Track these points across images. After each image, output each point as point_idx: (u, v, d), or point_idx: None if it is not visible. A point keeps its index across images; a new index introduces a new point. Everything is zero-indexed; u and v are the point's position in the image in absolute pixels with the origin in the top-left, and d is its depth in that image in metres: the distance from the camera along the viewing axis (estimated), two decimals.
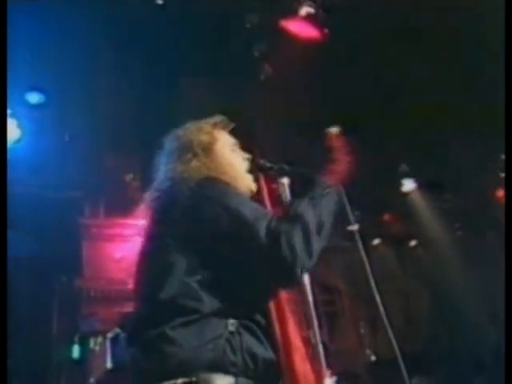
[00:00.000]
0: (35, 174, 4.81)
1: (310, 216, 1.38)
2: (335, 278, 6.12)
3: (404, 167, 6.01)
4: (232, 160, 1.61)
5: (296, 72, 3.72)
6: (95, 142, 4.40)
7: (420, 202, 6.30)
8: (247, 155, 1.65)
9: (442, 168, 5.80)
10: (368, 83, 4.35)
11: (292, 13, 3.47)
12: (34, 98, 3.91)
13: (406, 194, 6.25)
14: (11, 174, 4.60)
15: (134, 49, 3.68)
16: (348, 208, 1.65)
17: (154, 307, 1.37)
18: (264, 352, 1.38)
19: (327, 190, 1.48)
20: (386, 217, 6.83)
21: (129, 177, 5.07)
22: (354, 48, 3.80)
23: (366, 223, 6.00)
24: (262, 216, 1.36)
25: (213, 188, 1.43)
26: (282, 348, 1.41)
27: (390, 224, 6.88)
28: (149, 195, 1.54)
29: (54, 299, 4.76)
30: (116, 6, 3.51)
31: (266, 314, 1.43)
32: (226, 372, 1.29)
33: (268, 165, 1.64)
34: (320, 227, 1.39)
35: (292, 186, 1.63)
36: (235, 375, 1.30)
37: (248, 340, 1.35)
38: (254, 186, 1.62)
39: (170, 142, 1.62)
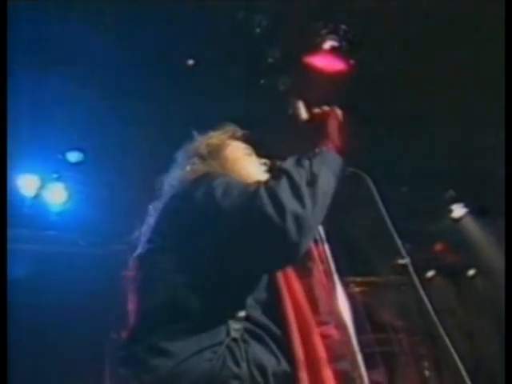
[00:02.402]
0: (82, 233, 4.95)
1: (296, 169, 1.19)
2: (389, 314, 5.78)
3: (451, 192, 5.77)
4: (245, 162, 1.51)
5: (325, 104, 3.69)
6: (135, 194, 4.49)
7: (473, 228, 5.96)
8: (264, 160, 1.55)
9: (492, 191, 5.52)
10: (402, 109, 4.28)
11: (315, 47, 3.48)
12: (73, 156, 4.08)
13: (456, 221, 5.95)
14: (62, 234, 4.81)
15: (165, 99, 3.80)
16: (398, 241, 1.51)
17: (141, 319, 1.21)
18: (276, 365, 1.16)
19: (318, 150, 1.30)
20: (439, 246, 6.49)
21: None
22: (382, 76, 3.75)
23: (417, 255, 5.72)
24: (246, 187, 1.19)
25: (204, 179, 1.29)
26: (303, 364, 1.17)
27: (444, 254, 6.52)
28: (151, 207, 1.46)
29: (104, 355, 4.73)
30: (147, 64, 3.66)
31: (283, 326, 1.21)
32: None
33: None
34: (313, 178, 1.18)
35: None
36: None
37: (255, 349, 1.15)
38: None
39: (179, 154, 1.57)
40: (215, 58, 3.57)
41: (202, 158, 1.49)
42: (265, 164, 1.55)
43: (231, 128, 1.61)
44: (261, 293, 1.25)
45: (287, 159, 1.28)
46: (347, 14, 3.34)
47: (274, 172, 1.21)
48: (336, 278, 1.39)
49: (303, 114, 1.51)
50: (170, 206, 1.33)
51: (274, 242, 1.10)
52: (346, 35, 3.41)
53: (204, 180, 1.28)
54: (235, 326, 1.14)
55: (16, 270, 4.35)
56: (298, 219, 1.09)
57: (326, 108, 1.49)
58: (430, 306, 1.34)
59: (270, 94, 3.66)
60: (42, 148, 4.01)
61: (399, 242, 1.43)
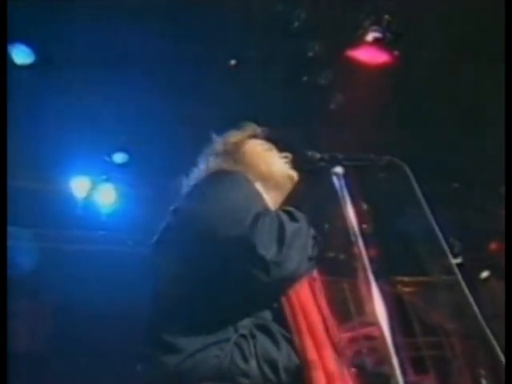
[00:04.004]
0: (130, 232, 5.08)
1: (309, 231, 1.18)
2: (440, 316, 5.51)
3: None
4: (265, 156, 1.49)
5: (369, 98, 3.59)
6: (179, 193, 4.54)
7: None
8: (285, 154, 1.52)
9: None
10: (454, 103, 4.09)
11: (357, 40, 3.38)
12: (119, 158, 4.20)
13: None
14: (111, 234, 4.96)
15: (210, 99, 3.81)
16: (440, 236, 1.41)
17: (152, 317, 1.23)
18: (286, 359, 1.11)
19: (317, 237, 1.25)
20: (494, 245, 6.15)
21: None
22: (428, 68, 3.59)
23: (470, 254, 5.45)
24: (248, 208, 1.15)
25: (212, 180, 1.29)
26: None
27: (499, 253, 6.17)
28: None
29: None
30: (190, 66, 3.70)
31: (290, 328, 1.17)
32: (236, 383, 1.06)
33: (318, 155, 1.43)
34: (312, 254, 1.18)
35: (346, 176, 1.40)
36: None
37: (265, 344, 1.10)
38: (294, 174, 1.49)
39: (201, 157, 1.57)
40: (256, 56, 3.55)
41: (218, 155, 1.50)
42: (286, 157, 1.53)
43: (250, 127, 1.59)
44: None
45: (304, 214, 1.25)
46: (390, 3, 3.21)
47: (291, 213, 1.19)
48: (371, 276, 1.31)
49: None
50: (178, 207, 1.33)
51: (252, 270, 1.08)
52: (389, 26, 3.29)
53: (201, 189, 1.29)
54: (243, 323, 1.12)
55: (70, 268, 4.55)
56: (281, 271, 1.08)
57: None
58: (476, 309, 1.23)
59: (312, 89, 3.59)
60: (91, 150, 4.15)
61: (441, 237, 1.33)
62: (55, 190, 4.48)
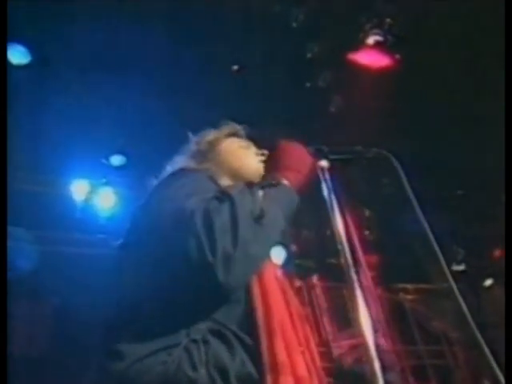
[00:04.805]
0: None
1: (243, 198, 1.07)
2: (443, 324, 5.41)
3: None
4: (240, 152, 1.46)
5: (370, 101, 3.56)
6: None
7: None
8: (262, 151, 1.47)
9: None
10: (456, 108, 4.04)
11: (358, 42, 3.35)
12: (116, 160, 4.17)
13: None
14: (111, 238, 4.93)
15: (210, 103, 3.79)
16: (433, 242, 1.35)
17: (105, 323, 1.16)
18: (240, 367, 1.04)
19: (275, 182, 1.20)
20: (498, 253, 6.06)
21: None
22: (429, 71, 3.55)
23: (474, 262, 5.37)
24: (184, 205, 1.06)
25: (166, 181, 1.23)
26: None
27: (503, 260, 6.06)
28: None
29: None
30: (191, 70, 3.68)
31: (254, 335, 1.09)
32: None
33: None
34: (260, 214, 1.06)
35: (331, 170, 1.32)
36: None
37: (218, 350, 1.03)
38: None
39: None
40: (257, 58, 3.53)
41: (189, 154, 1.46)
42: (262, 155, 1.48)
43: (229, 126, 1.56)
44: (233, 307, 1.13)
45: (237, 184, 1.19)
46: (391, 5, 3.18)
47: (219, 194, 1.10)
48: (356, 282, 1.25)
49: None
50: (135, 209, 1.30)
51: (199, 275, 1.01)
52: (390, 29, 3.25)
53: (154, 191, 1.24)
54: (198, 327, 1.05)
55: (69, 271, 4.52)
56: (228, 259, 0.99)
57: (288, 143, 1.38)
58: (469, 317, 1.16)
59: (313, 92, 3.56)
60: (90, 153, 4.13)
61: (435, 243, 1.27)
62: (54, 192, 4.46)
